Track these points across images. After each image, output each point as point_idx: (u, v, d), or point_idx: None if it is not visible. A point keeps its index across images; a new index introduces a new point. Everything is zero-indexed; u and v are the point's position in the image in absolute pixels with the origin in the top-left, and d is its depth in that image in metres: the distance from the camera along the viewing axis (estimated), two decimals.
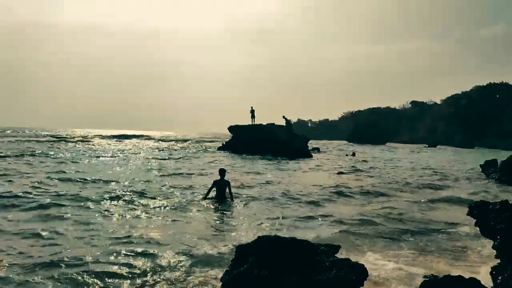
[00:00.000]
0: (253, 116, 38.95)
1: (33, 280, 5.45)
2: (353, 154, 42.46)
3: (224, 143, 40.50)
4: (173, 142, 57.08)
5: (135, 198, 11.53)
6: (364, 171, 24.67)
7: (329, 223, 9.74)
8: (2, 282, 5.34)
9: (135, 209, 10.16)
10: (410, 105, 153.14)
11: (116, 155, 29.29)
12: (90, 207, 10.08)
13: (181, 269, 5.95)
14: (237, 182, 15.72)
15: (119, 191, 12.56)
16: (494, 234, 4.91)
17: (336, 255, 4.57)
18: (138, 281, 5.54)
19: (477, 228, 5.24)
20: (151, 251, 6.78)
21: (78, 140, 49.63)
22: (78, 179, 14.70)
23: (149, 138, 66.39)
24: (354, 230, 9.05)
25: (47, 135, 61.88)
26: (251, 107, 39.30)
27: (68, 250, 6.72)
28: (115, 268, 5.96)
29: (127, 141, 55.88)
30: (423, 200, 13.68)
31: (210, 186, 12.23)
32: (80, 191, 12.17)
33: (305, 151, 36.33)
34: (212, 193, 11.97)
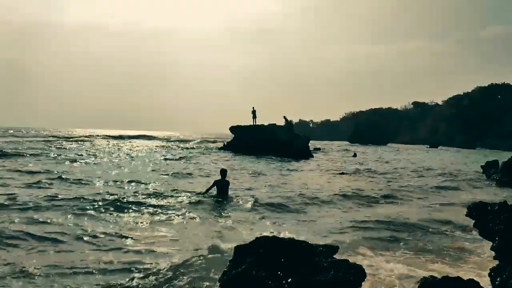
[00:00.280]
0: (254, 117, 38.85)
1: (33, 280, 5.47)
2: (354, 155, 42.37)
3: (225, 144, 40.47)
4: (177, 142, 57.14)
5: (135, 198, 11.53)
6: (365, 172, 24.69)
7: (330, 224, 9.74)
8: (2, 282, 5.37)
9: (135, 209, 10.17)
10: (411, 105, 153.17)
11: (118, 155, 29.33)
12: (90, 207, 10.09)
13: (180, 269, 5.95)
14: (238, 182, 15.72)
15: (119, 191, 12.58)
16: (493, 235, 4.90)
17: (334, 256, 4.57)
18: (136, 280, 5.55)
19: (476, 229, 5.23)
20: (150, 251, 6.79)
21: (78, 140, 49.73)
22: (78, 179, 14.72)
23: (151, 138, 66.46)
24: (353, 231, 9.06)
25: (47, 135, 61.98)
26: (253, 108, 39.23)
27: (68, 250, 6.74)
28: (113, 268, 5.98)
29: (130, 141, 55.99)
30: (423, 201, 13.67)
31: (210, 184, 12.33)
32: (80, 191, 12.19)
33: (306, 151, 36.30)
34: (212, 193, 11.99)
